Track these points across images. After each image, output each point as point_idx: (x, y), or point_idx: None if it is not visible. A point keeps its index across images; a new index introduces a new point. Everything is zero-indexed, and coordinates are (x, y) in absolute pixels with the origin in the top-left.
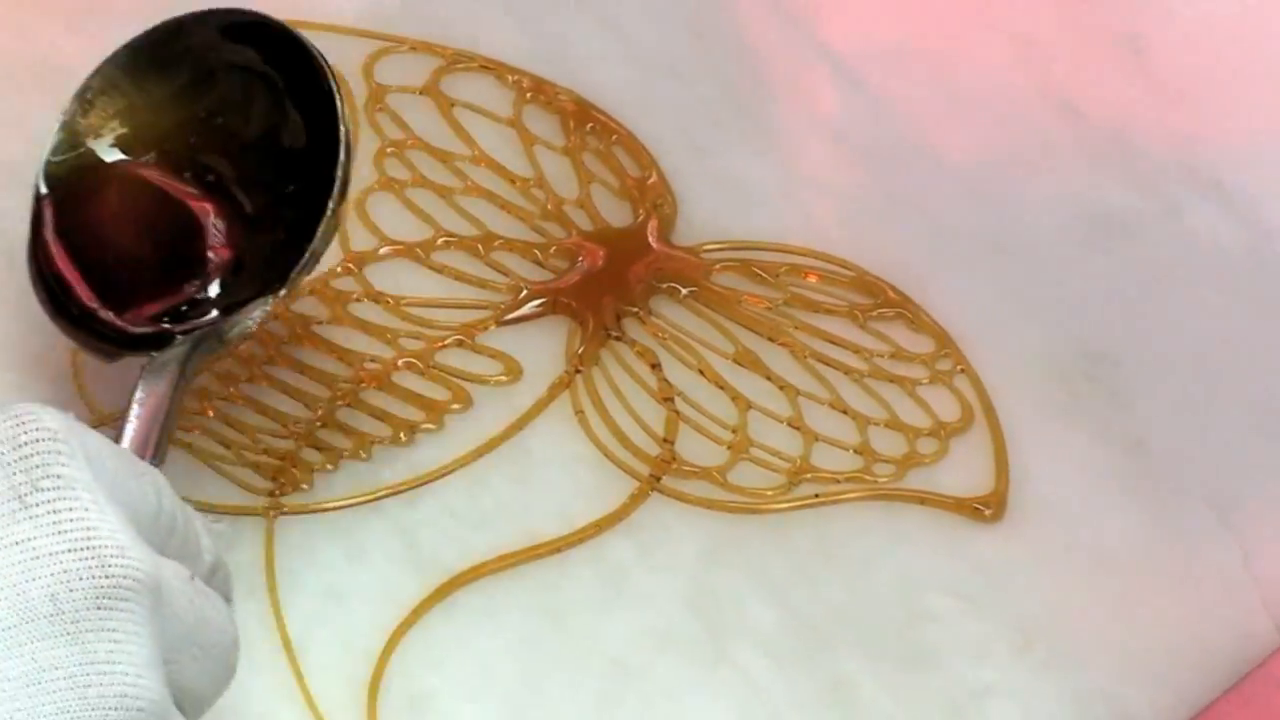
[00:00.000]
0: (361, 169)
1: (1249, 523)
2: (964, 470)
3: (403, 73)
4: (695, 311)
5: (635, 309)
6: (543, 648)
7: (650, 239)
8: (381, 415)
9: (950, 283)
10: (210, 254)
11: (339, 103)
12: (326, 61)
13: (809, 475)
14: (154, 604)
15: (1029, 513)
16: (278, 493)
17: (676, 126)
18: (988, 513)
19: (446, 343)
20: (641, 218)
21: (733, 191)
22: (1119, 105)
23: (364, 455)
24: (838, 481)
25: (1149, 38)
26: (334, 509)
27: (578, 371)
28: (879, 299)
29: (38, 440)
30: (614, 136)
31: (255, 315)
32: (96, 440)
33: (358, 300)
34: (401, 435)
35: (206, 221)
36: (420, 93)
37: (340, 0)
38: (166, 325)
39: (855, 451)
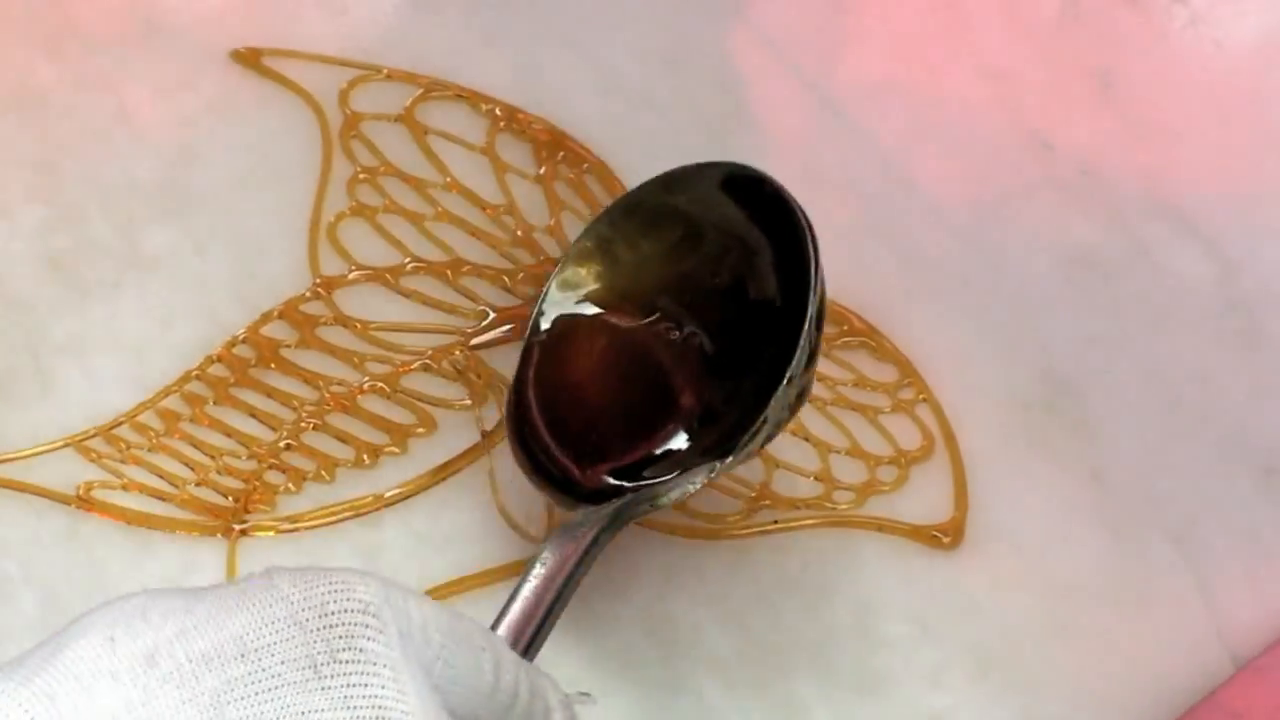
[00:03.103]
0: (334, 195)
1: (1205, 554)
2: (923, 498)
3: (379, 101)
4: None
5: None
6: None
7: None
8: (346, 438)
9: (916, 312)
10: (672, 416)
11: (814, 272)
12: (811, 228)
13: (769, 502)
14: None
15: (987, 541)
16: (240, 514)
17: (648, 156)
18: (946, 540)
19: (413, 367)
20: None
21: None
22: (1088, 140)
23: (327, 477)
24: (797, 508)
25: (1119, 73)
26: (296, 530)
27: None
28: (844, 327)
29: (346, 611)
30: (585, 165)
31: (697, 481)
32: (424, 614)
33: (326, 324)
34: (365, 458)
35: (674, 382)
36: (395, 120)
37: (319, 28)
38: (614, 481)
39: (815, 478)
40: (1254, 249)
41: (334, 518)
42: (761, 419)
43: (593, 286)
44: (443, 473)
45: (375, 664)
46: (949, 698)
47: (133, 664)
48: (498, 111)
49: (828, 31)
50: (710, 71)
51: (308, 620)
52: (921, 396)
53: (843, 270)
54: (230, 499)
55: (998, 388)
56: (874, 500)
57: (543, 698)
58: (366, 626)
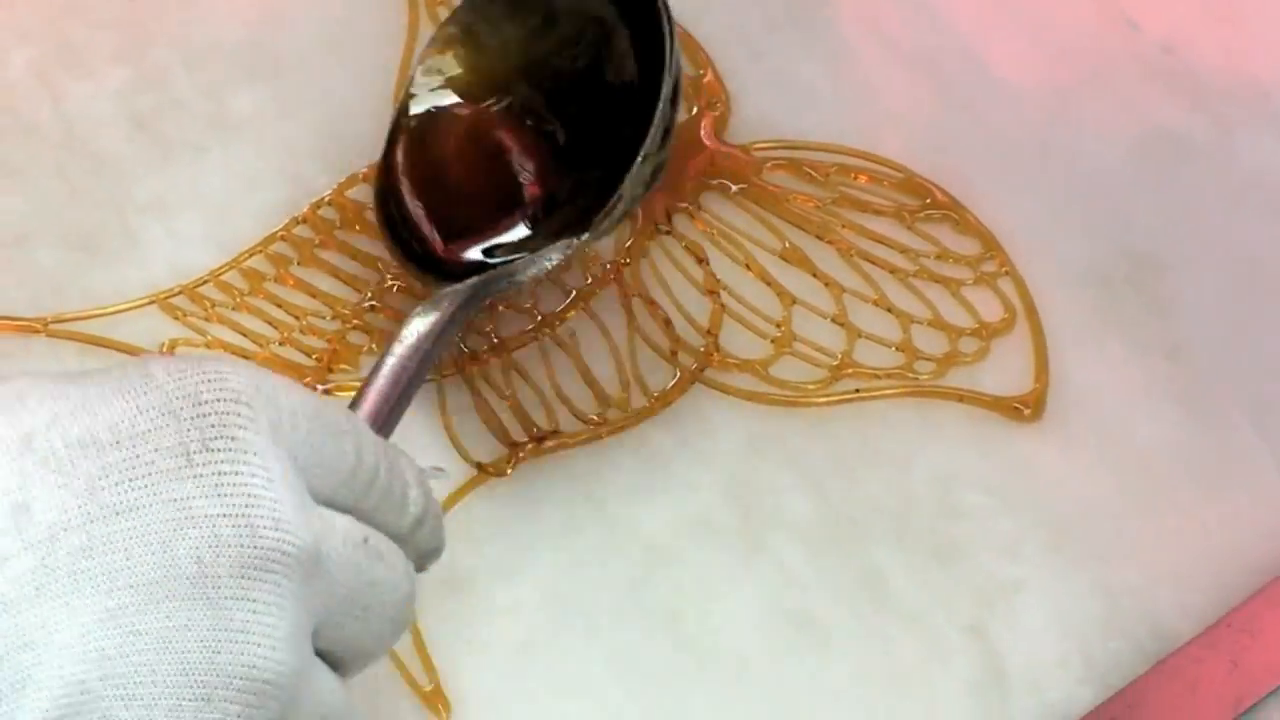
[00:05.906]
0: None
1: None
2: (1004, 370)
3: None
4: (744, 208)
5: (685, 204)
6: (580, 532)
7: (703, 136)
8: None
9: (999, 188)
10: (527, 195)
11: (669, 51)
12: (667, 7)
13: (850, 371)
14: (307, 575)
15: (1066, 414)
16: (324, 373)
17: (734, 28)
18: (1026, 412)
19: None
20: (695, 114)
21: (787, 93)
22: (1174, 20)
23: None
24: (879, 378)
25: None
26: None
27: (625, 264)
28: (927, 200)
29: (219, 400)
30: None
31: (554, 257)
32: (293, 401)
33: None
34: None
35: (529, 163)
36: None
37: None
38: (474, 258)
39: (897, 349)
40: None
41: None
42: (617, 197)
43: (456, 72)
44: (525, 337)
45: (246, 452)
46: (1024, 568)
47: (9, 448)
48: None
49: None
50: None
51: (181, 409)
52: (1004, 270)
53: (925, 144)
54: (313, 358)
55: (1079, 263)
56: (955, 371)
57: (400, 476)
58: (238, 415)
